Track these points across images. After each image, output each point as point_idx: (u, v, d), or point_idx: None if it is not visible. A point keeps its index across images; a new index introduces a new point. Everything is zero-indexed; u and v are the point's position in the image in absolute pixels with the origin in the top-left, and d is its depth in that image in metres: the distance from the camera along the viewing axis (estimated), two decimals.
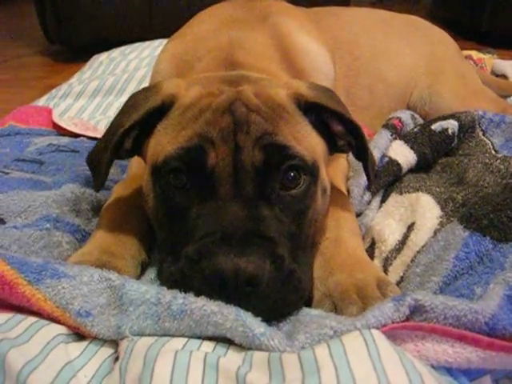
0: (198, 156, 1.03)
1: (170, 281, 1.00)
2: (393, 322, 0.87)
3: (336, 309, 0.99)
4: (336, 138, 1.21)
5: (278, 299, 0.95)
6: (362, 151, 1.21)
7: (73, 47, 3.84)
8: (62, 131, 2.05)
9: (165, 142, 1.10)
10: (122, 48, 2.94)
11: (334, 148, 1.22)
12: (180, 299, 0.89)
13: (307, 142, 1.12)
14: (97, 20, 3.62)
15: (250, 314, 0.88)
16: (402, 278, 1.14)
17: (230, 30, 1.48)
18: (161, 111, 1.14)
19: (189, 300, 0.88)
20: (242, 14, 1.61)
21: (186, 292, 0.93)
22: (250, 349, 0.86)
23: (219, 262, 0.92)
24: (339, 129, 1.19)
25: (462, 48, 2.64)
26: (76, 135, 2.01)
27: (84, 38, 3.70)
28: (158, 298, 0.89)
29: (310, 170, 1.08)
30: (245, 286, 0.92)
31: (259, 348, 0.85)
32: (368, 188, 1.36)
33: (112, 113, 2.33)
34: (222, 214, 1.00)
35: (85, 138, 1.97)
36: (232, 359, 0.84)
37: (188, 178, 1.05)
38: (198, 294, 0.92)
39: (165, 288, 0.94)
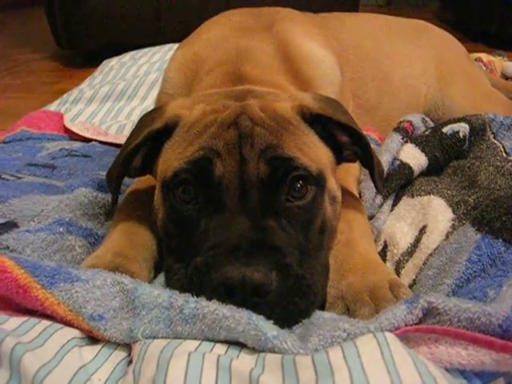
0: (205, 166, 1.06)
1: (178, 285, 1.01)
2: (406, 325, 0.87)
3: (349, 311, 0.99)
4: (342, 148, 1.21)
5: (287, 307, 0.96)
6: (367, 160, 1.21)
7: (83, 52, 3.86)
8: (73, 136, 2.06)
9: (172, 158, 1.12)
10: (133, 53, 2.95)
11: (341, 157, 1.23)
12: (192, 303, 0.89)
13: (313, 152, 1.13)
14: (107, 25, 3.64)
15: (261, 317, 0.88)
16: (414, 280, 1.14)
17: (237, 39, 1.50)
18: (166, 132, 1.17)
19: (201, 304, 0.89)
20: (248, 22, 1.63)
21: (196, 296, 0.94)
22: (262, 351, 0.86)
23: (226, 272, 0.92)
24: (345, 139, 1.20)
25: (472, 51, 2.65)
26: (88, 140, 2.02)
27: (94, 42, 3.71)
28: (171, 302, 0.90)
29: (316, 181, 1.09)
30: (252, 295, 0.93)
31: (272, 351, 0.85)
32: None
33: (123, 117, 2.35)
34: (229, 225, 1.01)
35: (96, 143, 1.97)
36: (245, 361, 0.84)
37: (196, 190, 1.07)
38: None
39: (177, 292, 0.94)
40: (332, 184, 1.15)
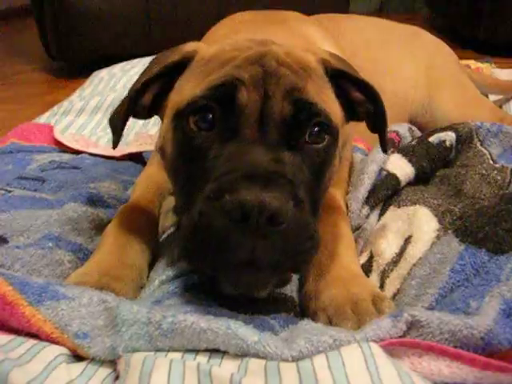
0: (229, 92, 1.04)
1: (188, 229, 0.97)
2: (391, 337, 0.88)
3: (331, 323, 0.99)
4: (356, 105, 1.23)
5: (295, 243, 0.94)
6: (379, 118, 1.23)
7: (74, 63, 3.86)
8: (63, 148, 2.06)
9: (188, 88, 1.11)
10: (123, 64, 2.95)
11: (350, 116, 1.25)
12: (170, 318, 0.89)
13: (331, 104, 1.15)
14: (97, 36, 3.64)
15: (240, 323, 0.89)
16: (398, 290, 1.14)
17: (255, 29, 1.48)
18: (181, 67, 1.16)
19: (178, 319, 0.89)
20: (261, 18, 1.66)
21: (205, 237, 0.93)
22: (246, 356, 0.87)
23: (243, 195, 0.89)
24: (359, 96, 1.22)
25: (461, 57, 2.65)
26: (77, 152, 2.02)
27: (85, 54, 3.72)
28: (149, 318, 0.90)
29: (333, 132, 1.11)
30: (267, 223, 0.89)
31: (256, 356, 0.86)
32: (368, 202, 1.37)
33: None
34: (246, 153, 0.99)
35: (86, 155, 1.97)
36: (227, 367, 0.85)
37: (214, 116, 1.04)
38: (217, 235, 0.91)
39: (155, 307, 0.94)
40: (340, 142, 1.17)
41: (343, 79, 1.20)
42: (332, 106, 1.15)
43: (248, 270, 0.95)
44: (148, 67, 1.20)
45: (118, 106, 1.20)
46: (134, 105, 1.16)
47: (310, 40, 1.55)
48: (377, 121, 1.24)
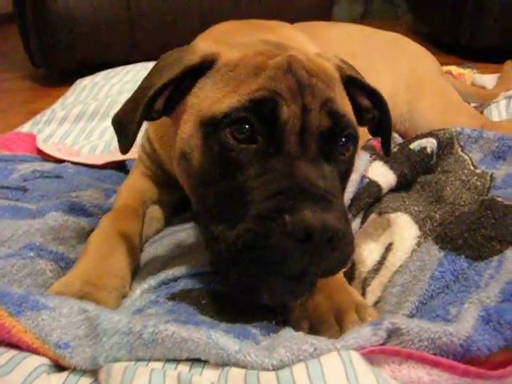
0: (271, 107, 1.02)
1: (235, 245, 0.97)
2: (371, 345, 0.88)
3: (314, 331, 0.99)
4: (363, 112, 1.26)
5: (342, 254, 0.98)
6: (385, 124, 1.28)
7: (58, 71, 3.85)
8: (46, 157, 2.05)
9: (219, 96, 1.07)
10: (105, 72, 2.95)
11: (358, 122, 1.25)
12: (150, 328, 0.89)
13: (351, 113, 1.16)
14: (80, 44, 3.63)
15: (221, 332, 0.89)
16: (379, 298, 1.15)
17: (242, 34, 1.45)
18: (197, 71, 1.12)
19: (158, 328, 0.89)
20: (246, 26, 1.65)
21: (258, 253, 0.94)
22: (227, 365, 0.87)
23: (307, 217, 0.89)
24: (366, 102, 1.26)
25: (444, 63, 2.67)
26: (60, 161, 2.01)
27: (68, 62, 3.70)
28: (129, 328, 0.90)
29: (356, 141, 1.13)
30: (327, 241, 0.91)
31: (237, 365, 0.86)
32: (350, 210, 1.37)
33: (95, 137, 2.35)
34: (293, 170, 0.99)
35: (69, 164, 1.96)
36: (207, 376, 0.86)
37: (254, 129, 1.03)
38: (274, 253, 0.92)
39: (136, 316, 0.94)
40: None
41: (352, 85, 1.22)
42: (352, 115, 1.16)
43: (297, 281, 0.98)
44: (158, 69, 1.15)
45: (124, 108, 1.15)
46: (149, 109, 1.12)
47: (302, 47, 1.55)
48: (381, 127, 1.28)
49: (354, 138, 1.11)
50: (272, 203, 0.95)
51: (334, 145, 1.07)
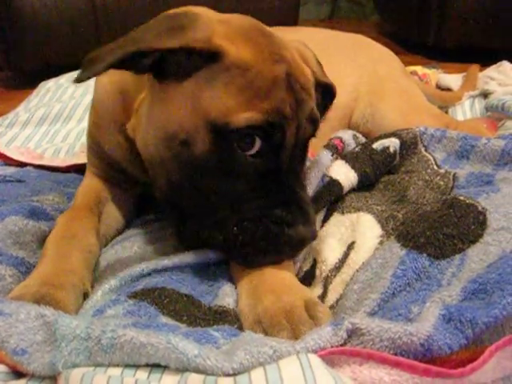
0: (280, 132, 1.11)
1: (240, 237, 1.12)
2: (332, 346, 0.87)
3: (268, 335, 0.99)
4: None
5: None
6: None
7: (23, 73, 3.80)
8: (8, 161, 2.03)
9: (232, 103, 1.09)
10: (70, 74, 2.90)
11: None
12: (109, 333, 0.88)
13: None
14: (45, 46, 3.59)
15: (181, 337, 0.88)
16: (341, 295, 1.15)
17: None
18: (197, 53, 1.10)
19: (117, 333, 0.87)
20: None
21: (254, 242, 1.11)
22: (187, 371, 0.85)
23: (302, 231, 1.11)
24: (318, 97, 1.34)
25: (410, 63, 2.70)
26: (23, 164, 1.99)
27: (33, 63, 3.66)
28: (88, 333, 0.88)
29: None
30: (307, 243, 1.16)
31: (196, 370, 0.84)
32: None
33: (59, 140, 2.32)
34: (285, 185, 1.14)
35: (31, 167, 1.94)
36: (165, 382, 0.85)
37: (260, 146, 1.12)
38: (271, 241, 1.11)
39: (94, 321, 0.92)
40: None
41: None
42: None
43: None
44: (156, 26, 1.12)
45: (103, 48, 1.10)
46: (132, 61, 1.09)
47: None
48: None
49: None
50: (269, 212, 1.11)
51: (307, 148, 1.20)
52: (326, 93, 1.39)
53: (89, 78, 1.06)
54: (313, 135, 1.22)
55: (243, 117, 1.08)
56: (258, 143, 1.11)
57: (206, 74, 1.11)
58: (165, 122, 1.15)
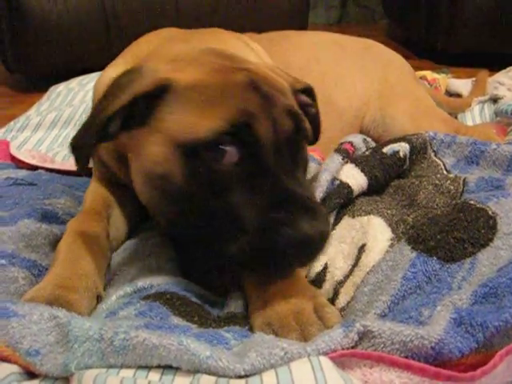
0: (250, 130, 1.08)
1: (244, 253, 1.04)
2: (342, 348, 0.88)
3: (278, 337, 0.99)
4: (308, 107, 1.39)
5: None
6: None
7: (33, 77, 3.81)
8: (20, 164, 2.04)
9: (193, 119, 1.09)
10: (80, 78, 2.92)
11: None
12: (121, 334, 0.89)
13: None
14: (56, 49, 3.59)
15: (193, 338, 0.89)
16: (352, 298, 1.16)
17: (175, 45, 1.45)
18: (151, 95, 1.12)
19: (130, 335, 0.88)
20: (184, 33, 1.65)
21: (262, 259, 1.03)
22: (198, 372, 0.86)
23: (305, 228, 1.00)
24: (305, 99, 1.38)
25: (419, 67, 2.69)
26: (34, 167, 2.00)
27: (43, 67, 3.67)
28: (101, 334, 0.89)
29: (308, 138, 1.24)
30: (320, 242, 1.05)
31: (208, 371, 0.85)
32: None
33: None
34: (276, 185, 1.06)
35: (43, 171, 1.96)
36: None
37: (235, 152, 1.08)
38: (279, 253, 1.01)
39: (107, 322, 0.93)
40: None
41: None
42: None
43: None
44: (109, 94, 1.14)
45: (78, 133, 1.15)
46: (103, 133, 1.12)
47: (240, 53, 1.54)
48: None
49: (306, 136, 1.21)
50: (269, 218, 1.03)
51: (298, 147, 1.16)
52: (309, 95, 1.38)
53: (87, 162, 1.15)
54: (298, 131, 1.15)
55: (208, 127, 1.06)
56: (234, 150, 1.07)
57: (164, 107, 1.13)
58: (142, 165, 1.16)
